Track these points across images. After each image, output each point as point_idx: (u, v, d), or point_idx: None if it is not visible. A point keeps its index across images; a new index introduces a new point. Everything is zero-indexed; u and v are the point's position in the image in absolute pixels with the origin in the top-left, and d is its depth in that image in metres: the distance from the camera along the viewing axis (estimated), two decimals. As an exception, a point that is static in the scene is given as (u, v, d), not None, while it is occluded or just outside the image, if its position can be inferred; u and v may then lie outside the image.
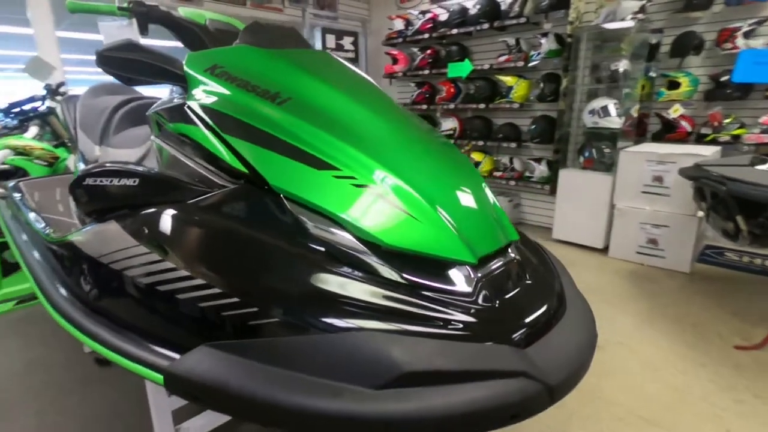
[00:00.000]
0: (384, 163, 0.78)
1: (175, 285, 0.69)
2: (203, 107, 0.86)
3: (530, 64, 3.59)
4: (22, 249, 1.26)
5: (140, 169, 0.87)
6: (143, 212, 0.80)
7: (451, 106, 4.22)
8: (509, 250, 0.82)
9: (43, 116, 2.94)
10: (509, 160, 3.99)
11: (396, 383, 0.57)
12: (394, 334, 0.62)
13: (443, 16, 4.11)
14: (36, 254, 1.16)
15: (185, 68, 0.94)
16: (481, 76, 4.00)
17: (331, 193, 0.74)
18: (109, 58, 0.88)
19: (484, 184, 0.90)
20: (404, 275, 0.70)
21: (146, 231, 0.77)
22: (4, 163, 2.66)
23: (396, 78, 4.72)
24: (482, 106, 3.96)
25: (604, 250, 3.27)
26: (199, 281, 0.68)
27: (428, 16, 4.24)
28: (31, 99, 2.88)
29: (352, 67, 1.10)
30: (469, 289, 0.70)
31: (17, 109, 2.92)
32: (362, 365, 0.58)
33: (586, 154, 3.40)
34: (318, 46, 4.34)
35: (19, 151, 2.62)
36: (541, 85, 3.59)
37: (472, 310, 0.68)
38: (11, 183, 1.97)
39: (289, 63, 0.95)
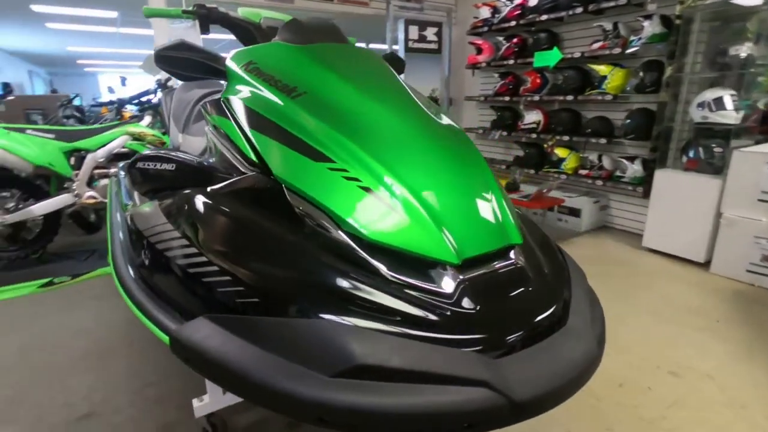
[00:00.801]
0: (378, 157, 0.78)
1: (188, 260, 0.77)
2: (234, 101, 0.93)
3: (629, 51, 3.21)
4: (111, 220, 1.49)
5: (178, 156, 0.97)
6: (174, 195, 0.90)
7: (536, 97, 3.97)
8: (511, 254, 0.77)
9: (155, 107, 3.40)
10: (598, 158, 3.64)
11: (350, 374, 0.57)
12: (359, 327, 0.62)
13: (533, 2, 3.85)
14: (115, 224, 1.37)
15: (226, 64, 1.02)
16: (570, 66, 3.68)
17: (323, 185, 0.76)
18: (164, 57, 1.00)
19: (492, 183, 0.86)
20: (386, 270, 0.69)
21: (172, 211, 0.87)
22: (123, 147, 3.14)
23: (479, 68, 4.56)
24: (570, 97, 3.66)
25: (705, 264, 2.84)
26: (203, 259, 0.75)
27: (517, 2, 4.00)
28: (146, 92, 3.36)
29: (378, 60, 1.10)
30: (448, 291, 0.68)
31: (136, 101, 3.42)
32: (323, 352, 0.59)
33: (692, 153, 2.96)
34: (401, 37, 4.36)
35: (135, 137, 3.06)
36: (641, 74, 3.20)
37: (448, 313, 0.65)
38: (121, 164, 2.33)
39: (313, 58, 0.98)
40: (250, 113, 0.89)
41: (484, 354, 0.62)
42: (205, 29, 1.24)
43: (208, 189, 0.86)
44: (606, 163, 3.60)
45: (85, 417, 1.52)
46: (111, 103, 4.46)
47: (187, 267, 0.76)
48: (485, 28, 4.33)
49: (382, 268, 0.69)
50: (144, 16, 1.24)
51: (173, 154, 0.99)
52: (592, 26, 3.54)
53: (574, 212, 3.69)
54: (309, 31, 1.07)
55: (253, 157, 0.84)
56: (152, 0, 3.52)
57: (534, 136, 4.07)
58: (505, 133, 4.30)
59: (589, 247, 3.30)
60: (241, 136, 0.88)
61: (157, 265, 0.86)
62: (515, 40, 4.13)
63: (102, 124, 3.50)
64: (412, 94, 1.01)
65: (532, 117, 4.06)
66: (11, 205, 2.87)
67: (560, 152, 3.86)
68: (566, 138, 3.78)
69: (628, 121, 3.32)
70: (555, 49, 3.65)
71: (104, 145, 3.04)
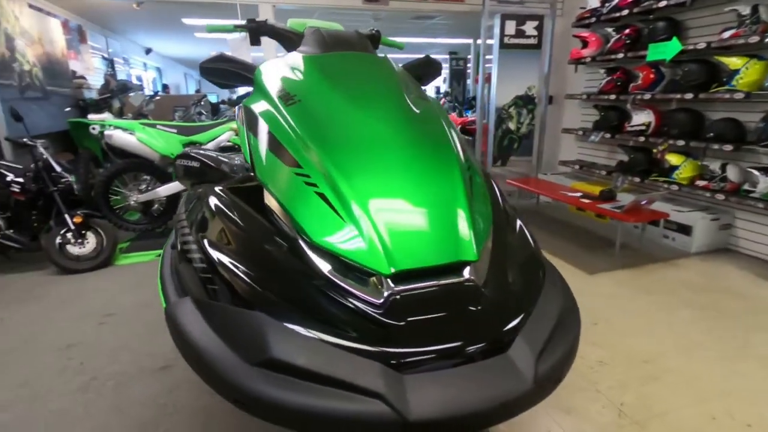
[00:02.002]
0: (339, 165, 0.80)
1: (186, 246, 0.89)
2: (247, 107, 1.03)
3: (770, 39, 2.64)
4: None
5: (206, 155, 1.11)
6: (194, 189, 1.03)
7: (648, 95, 3.48)
8: (465, 271, 0.73)
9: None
10: (721, 167, 3.07)
11: (267, 365, 0.62)
12: (285, 324, 0.66)
13: (651, -14, 3.38)
14: None
15: (255, 74, 1.13)
16: (692, 58, 3.16)
17: (287, 188, 0.81)
18: (206, 68, 1.14)
19: (459, 195, 0.82)
20: (326, 273, 0.71)
21: (185, 202, 1.00)
22: (228, 141, 3.60)
23: (583, 64, 4.16)
24: (690, 95, 3.14)
25: None
26: (195, 246, 0.85)
27: (632, -13, 3.55)
28: (247, 94, 3.81)
29: (384, 69, 1.10)
30: (377, 301, 0.68)
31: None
32: (250, 342, 0.65)
33: None
34: (496, 33, 4.19)
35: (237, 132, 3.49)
36: (786, 67, 2.61)
37: (370, 322, 0.65)
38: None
39: (315, 67, 1.03)
40: (252, 118, 0.98)
41: (398, 368, 0.61)
42: (255, 41, 1.38)
43: (213, 186, 0.97)
44: (731, 174, 3.01)
45: (162, 369, 1.83)
46: (231, 101, 5.15)
47: (186, 252, 0.88)
48: (593, 19, 3.93)
49: (323, 272, 0.72)
50: (207, 31, 1.43)
51: (203, 153, 1.14)
52: (723, 11, 2.98)
53: (684, 229, 3.17)
54: (325, 41, 1.13)
55: (248, 158, 0.93)
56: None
57: (642, 139, 3.59)
58: (608, 136, 3.86)
59: (697, 272, 2.82)
60: (245, 139, 0.98)
61: (178, 248, 1.00)
62: (627, 30, 3.67)
63: (216, 120, 4.05)
64: (405, 102, 0.99)
65: (642, 118, 3.57)
66: (143, 186, 3.52)
67: (673, 159, 3.34)
68: (681, 143, 3.26)
69: (765, 124, 2.74)
70: (674, 39, 3.17)
71: (213, 139, 3.52)
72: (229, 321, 0.69)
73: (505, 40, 4.20)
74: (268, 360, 0.62)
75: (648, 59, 3.33)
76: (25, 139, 2.99)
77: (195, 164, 1.13)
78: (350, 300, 0.69)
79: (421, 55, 1.40)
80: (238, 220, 0.83)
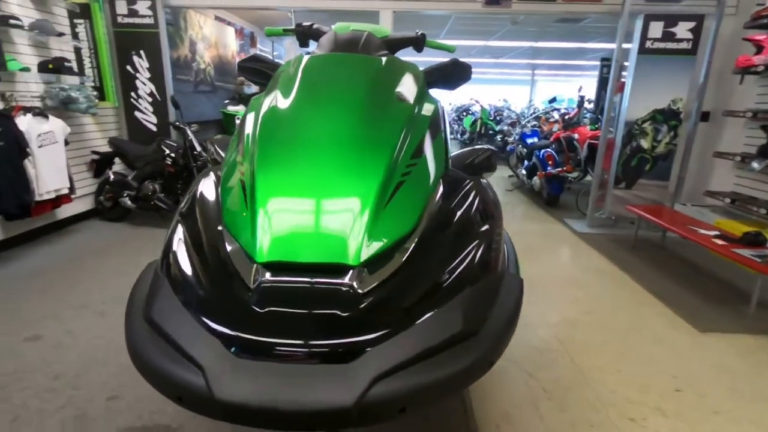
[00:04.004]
0: (261, 159, 0.84)
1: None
2: (252, 102, 1.14)
3: None
4: None
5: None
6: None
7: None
8: (348, 274, 0.72)
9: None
10: None
11: (148, 322, 0.72)
12: (174, 290, 0.75)
13: None
14: None
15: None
16: None
17: (226, 175, 0.88)
18: (242, 67, 1.30)
19: (367, 200, 0.80)
20: (225, 254, 0.78)
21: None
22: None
23: (755, 74, 3.34)
24: None
25: None
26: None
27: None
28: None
29: (373, 71, 1.09)
30: (247, 285, 0.71)
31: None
32: (148, 300, 0.76)
33: None
34: (636, 36, 3.65)
35: None
36: None
37: (238, 305, 0.70)
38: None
39: (307, 67, 1.08)
40: (249, 115, 1.08)
41: (241, 352, 0.64)
42: (303, 43, 1.50)
43: (213, 168, 1.09)
44: None
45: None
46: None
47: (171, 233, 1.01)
48: (774, 18, 3.12)
49: (223, 253, 0.78)
50: (265, 35, 1.60)
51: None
52: None
53: None
54: (333, 43, 1.17)
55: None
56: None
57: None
58: (775, 165, 3.04)
59: None
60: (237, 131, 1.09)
61: None
62: (823, 32, 2.83)
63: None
64: (365, 103, 0.98)
65: (828, 146, 2.72)
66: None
67: None
68: None
69: None
70: None
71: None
72: (152, 281, 0.81)
73: (647, 44, 3.62)
74: (148, 318, 0.71)
75: None
76: (178, 123, 3.73)
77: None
78: (232, 282, 0.73)
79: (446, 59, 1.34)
80: (195, 198, 0.94)
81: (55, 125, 3.22)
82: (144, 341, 0.69)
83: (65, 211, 3.60)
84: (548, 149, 4.95)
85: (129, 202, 3.73)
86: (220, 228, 0.83)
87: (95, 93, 3.66)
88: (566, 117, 5.98)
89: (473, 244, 0.85)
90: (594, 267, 3.15)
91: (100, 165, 3.81)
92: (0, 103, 2.98)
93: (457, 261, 0.81)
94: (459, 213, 0.91)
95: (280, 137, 0.92)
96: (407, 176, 0.87)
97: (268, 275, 0.72)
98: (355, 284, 0.71)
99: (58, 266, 2.89)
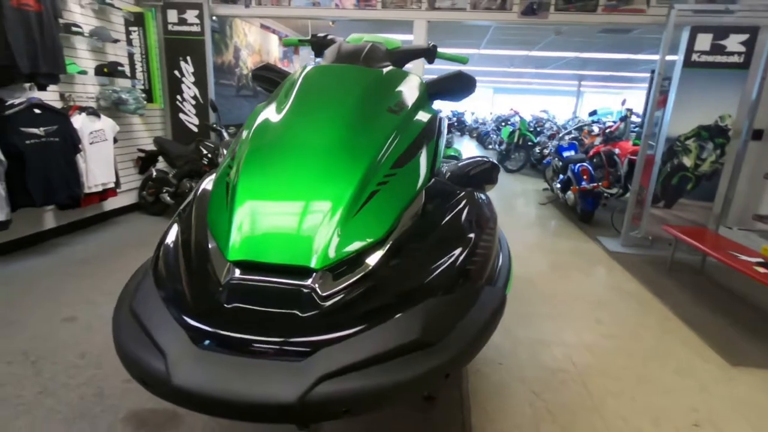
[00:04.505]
0: (247, 164, 0.89)
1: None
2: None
3: None
4: None
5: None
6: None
7: None
8: (312, 276, 0.74)
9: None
10: None
11: (131, 312, 0.78)
12: (155, 283, 0.81)
13: None
14: None
15: None
16: None
17: (218, 176, 0.94)
18: (255, 75, 1.37)
19: (338, 207, 0.82)
20: (207, 250, 0.83)
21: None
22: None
23: (814, 91, 3.09)
24: None
25: None
26: None
27: None
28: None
29: (367, 82, 1.11)
30: (217, 279, 0.76)
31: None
32: (133, 291, 0.82)
33: None
34: (682, 48, 3.48)
35: None
36: None
37: (210, 299, 0.74)
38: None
39: (307, 77, 1.12)
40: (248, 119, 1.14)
41: (207, 343, 0.68)
42: (318, 53, 1.55)
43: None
44: None
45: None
46: None
47: None
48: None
49: (206, 249, 0.82)
50: (283, 45, 1.66)
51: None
52: None
53: None
54: (336, 54, 1.22)
55: None
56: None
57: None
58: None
59: None
60: None
61: None
62: None
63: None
64: (354, 112, 1.01)
65: None
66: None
67: None
68: None
69: None
70: None
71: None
72: (141, 276, 0.88)
73: (694, 57, 3.44)
74: (131, 307, 0.77)
75: None
76: (215, 125, 3.92)
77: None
78: (207, 278, 0.78)
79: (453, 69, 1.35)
80: (194, 199, 1.01)
81: (106, 124, 3.48)
82: (124, 328, 0.75)
83: (111, 203, 3.87)
84: (583, 163, 4.77)
85: (168, 198, 3.96)
86: (206, 225, 0.89)
87: (144, 95, 3.93)
88: (608, 130, 5.75)
89: (449, 256, 0.86)
90: (623, 288, 3.01)
91: (145, 162, 4.07)
92: (59, 103, 3.26)
93: (427, 271, 0.82)
94: (438, 224, 0.92)
95: (267, 143, 0.97)
96: (384, 185, 0.89)
97: (237, 273, 0.76)
98: (316, 287, 0.74)
99: (101, 255, 3.12)
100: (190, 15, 4.10)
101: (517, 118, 8.98)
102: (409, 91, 1.16)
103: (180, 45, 4.19)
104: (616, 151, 5.29)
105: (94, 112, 3.36)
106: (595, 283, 3.09)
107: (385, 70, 1.19)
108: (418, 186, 0.94)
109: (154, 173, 4.06)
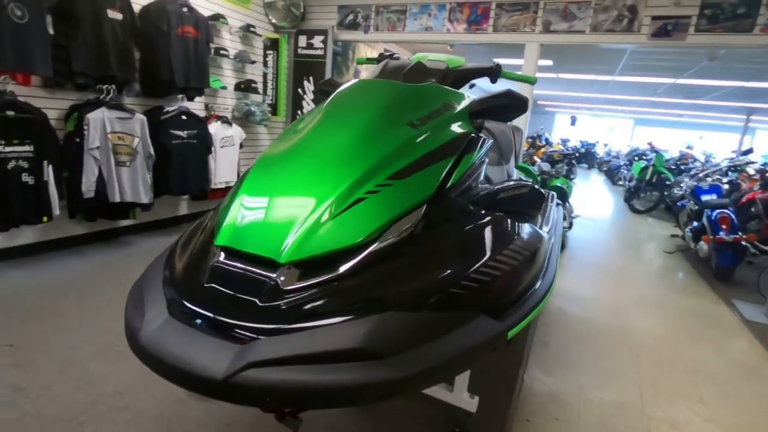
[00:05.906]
0: (264, 161, 0.99)
1: None
2: None
3: None
4: None
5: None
6: None
7: None
8: (279, 269, 0.78)
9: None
10: None
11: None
12: (164, 265, 0.93)
13: None
14: None
15: None
16: None
17: (243, 176, 1.04)
18: (320, 90, 1.47)
19: (319, 207, 0.84)
20: (210, 238, 0.92)
21: None
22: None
23: None
24: None
25: None
26: None
27: None
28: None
29: (401, 97, 1.12)
30: (207, 262, 0.84)
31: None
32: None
33: None
34: None
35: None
36: None
37: (191, 277, 0.83)
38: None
39: (347, 89, 1.17)
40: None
41: (182, 315, 0.77)
42: (384, 71, 1.61)
43: None
44: None
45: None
46: None
47: None
48: None
49: (212, 234, 0.92)
50: (356, 64, 1.75)
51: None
52: None
53: None
54: (384, 70, 1.25)
55: None
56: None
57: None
58: None
59: None
60: None
61: None
62: None
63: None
64: (377, 124, 1.02)
65: None
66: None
67: None
68: None
69: None
70: None
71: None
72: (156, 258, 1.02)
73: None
74: (139, 282, 0.92)
75: None
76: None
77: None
78: (200, 260, 0.87)
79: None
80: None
81: (236, 131, 4.07)
82: (131, 299, 0.89)
83: (232, 199, 4.49)
84: (725, 210, 3.99)
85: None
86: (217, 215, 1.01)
87: (270, 109, 4.50)
88: (767, 174, 4.73)
89: (430, 273, 0.82)
90: (748, 365, 2.42)
91: (263, 167, 4.63)
92: (202, 112, 3.92)
93: (397, 284, 0.80)
94: (431, 240, 0.88)
95: (283, 146, 1.05)
96: (373, 194, 0.89)
97: (222, 257, 0.84)
98: (279, 280, 0.77)
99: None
100: (317, 40, 4.59)
101: (651, 153, 7.92)
102: (443, 107, 1.14)
103: (305, 66, 4.70)
104: (777, 199, 4.32)
105: (227, 121, 3.96)
106: (715, 355, 2.53)
107: (422, 85, 1.19)
108: (417, 200, 0.92)
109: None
